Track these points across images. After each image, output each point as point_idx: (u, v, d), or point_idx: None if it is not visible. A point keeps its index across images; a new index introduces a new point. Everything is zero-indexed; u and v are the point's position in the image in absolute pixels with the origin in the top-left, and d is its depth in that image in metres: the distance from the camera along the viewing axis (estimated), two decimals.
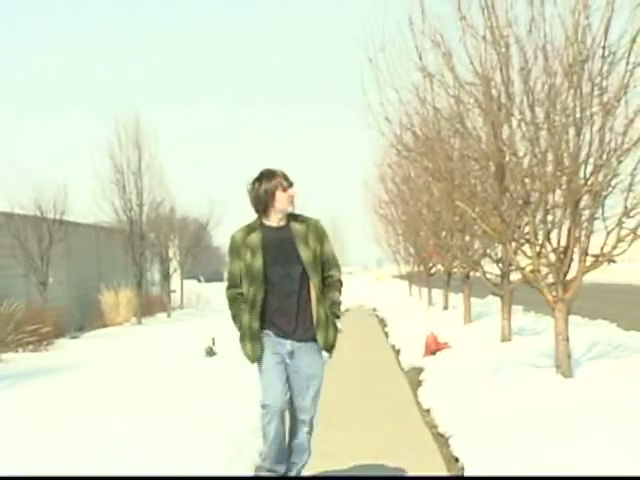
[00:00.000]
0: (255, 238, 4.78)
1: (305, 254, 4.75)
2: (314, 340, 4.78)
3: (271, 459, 4.85)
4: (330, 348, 4.83)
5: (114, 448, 6.11)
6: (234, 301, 4.90)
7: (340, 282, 4.92)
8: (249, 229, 4.84)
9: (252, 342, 4.77)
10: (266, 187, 4.74)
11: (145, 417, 7.42)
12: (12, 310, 14.45)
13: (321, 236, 4.87)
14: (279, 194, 4.74)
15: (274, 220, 4.81)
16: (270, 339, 4.77)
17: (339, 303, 4.89)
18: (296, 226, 4.83)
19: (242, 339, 4.82)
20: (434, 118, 10.59)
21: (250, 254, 4.75)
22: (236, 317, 4.87)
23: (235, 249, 4.85)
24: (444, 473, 5.69)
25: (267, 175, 4.78)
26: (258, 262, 4.73)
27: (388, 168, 22.32)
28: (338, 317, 4.87)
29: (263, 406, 4.77)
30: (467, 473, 5.40)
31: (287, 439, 4.89)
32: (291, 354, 4.78)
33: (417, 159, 12.11)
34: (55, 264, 19.06)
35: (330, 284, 4.86)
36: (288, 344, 4.77)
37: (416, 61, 9.13)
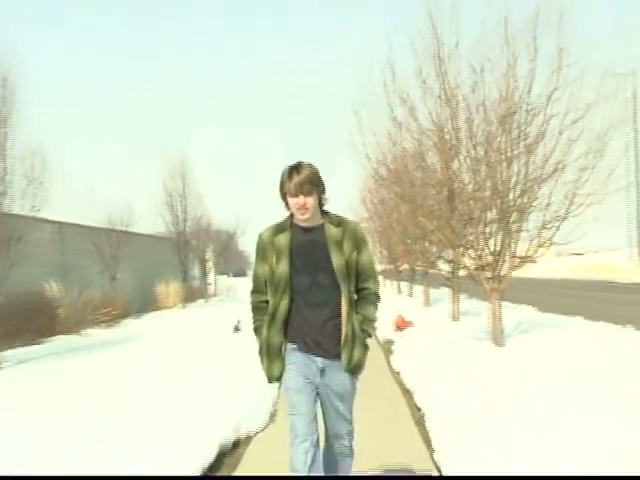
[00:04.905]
0: (283, 239, 3.14)
1: (337, 260, 3.08)
2: None
3: None
4: (354, 369, 3.13)
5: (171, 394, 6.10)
6: (257, 311, 3.26)
7: (376, 296, 3.21)
8: (278, 229, 3.19)
9: (270, 360, 3.16)
10: (281, 185, 3.11)
11: (191, 375, 7.39)
12: (90, 298, 14.47)
13: (359, 242, 3.17)
14: (289, 199, 3.10)
15: (303, 220, 3.14)
16: (298, 355, 3.14)
17: (372, 320, 3.17)
18: (331, 228, 3.14)
19: (260, 355, 3.21)
20: (402, 155, 10.63)
21: (275, 257, 3.13)
22: (257, 330, 3.23)
23: (261, 249, 3.19)
24: (415, 428, 5.63)
25: (288, 171, 3.08)
26: (283, 268, 3.10)
27: (367, 192, 22.32)
28: (370, 335, 3.18)
29: (293, 432, 3.07)
30: (427, 417, 5.34)
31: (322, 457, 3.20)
32: (322, 371, 3.15)
33: (389, 186, 12.13)
34: (122, 264, 18.98)
35: (364, 297, 3.18)
36: (319, 361, 3.13)
37: (389, 113, 9.18)
